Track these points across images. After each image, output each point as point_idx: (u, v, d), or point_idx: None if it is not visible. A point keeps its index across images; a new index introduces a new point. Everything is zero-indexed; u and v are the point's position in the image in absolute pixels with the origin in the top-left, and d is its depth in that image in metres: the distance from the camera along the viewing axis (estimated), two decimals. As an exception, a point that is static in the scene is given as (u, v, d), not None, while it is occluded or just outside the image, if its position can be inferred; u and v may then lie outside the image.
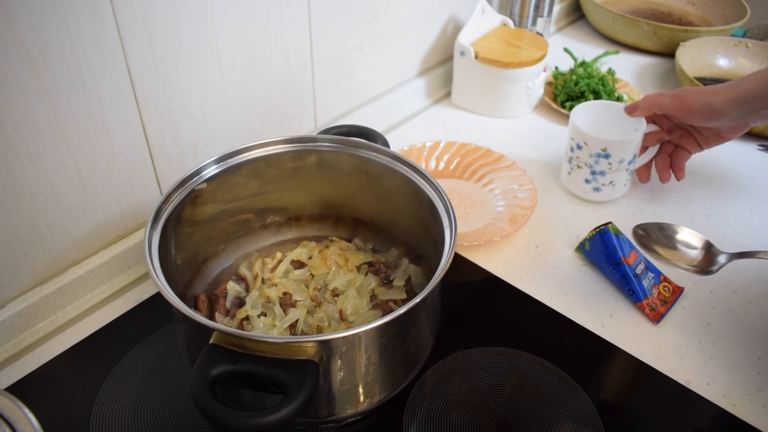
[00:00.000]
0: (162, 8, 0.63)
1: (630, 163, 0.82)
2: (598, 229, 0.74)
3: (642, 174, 0.86)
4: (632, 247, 0.74)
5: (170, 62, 0.66)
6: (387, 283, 0.68)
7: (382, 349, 0.52)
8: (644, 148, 0.85)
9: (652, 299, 0.70)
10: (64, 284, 0.66)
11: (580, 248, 0.77)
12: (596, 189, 0.84)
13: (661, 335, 0.68)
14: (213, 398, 0.43)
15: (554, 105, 1.04)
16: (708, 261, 0.73)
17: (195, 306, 0.65)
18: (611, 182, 0.83)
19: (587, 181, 0.84)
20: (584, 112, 0.85)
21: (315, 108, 0.88)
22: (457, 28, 1.05)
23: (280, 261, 0.69)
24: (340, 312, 0.63)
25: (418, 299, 0.49)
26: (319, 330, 0.62)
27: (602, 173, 0.82)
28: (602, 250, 0.73)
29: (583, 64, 1.08)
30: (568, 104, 1.03)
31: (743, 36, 1.24)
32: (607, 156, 0.80)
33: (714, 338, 0.68)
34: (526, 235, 0.81)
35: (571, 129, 0.83)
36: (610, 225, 0.74)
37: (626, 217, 0.84)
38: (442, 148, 0.91)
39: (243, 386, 0.51)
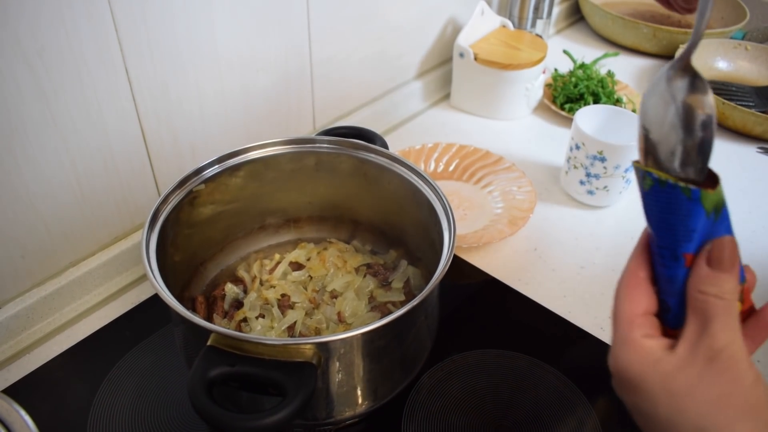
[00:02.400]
0: (160, 9, 0.63)
1: (627, 171, 0.82)
2: (678, 182, 0.35)
3: None
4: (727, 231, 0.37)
5: (168, 63, 0.66)
6: (385, 285, 0.67)
7: (381, 351, 0.52)
8: None
9: None
10: (62, 286, 0.66)
11: (649, 176, 0.37)
12: (590, 192, 0.84)
13: (661, 338, 0.68)
14: (210, 400, 0.43)
15: (553, 107, 1.04)
16: None
17: (193, 308, 0.64)
18: (605, 187, 0.83)
19: (582, 182, 0.84)
20: (591, 114, 0.85)
21: (314, 109, 0.88)
22: (457, 30, 1.05)
23: (278, 262, 0.69)
24: (339, 314, 0.63)
25: (416, 301, 0.49)
26: (318, 332, 0.62)
27: (596, 176, 0.82)
28: (667, 219, 0.36)
29: (582, 66, 1.08)
30: (567, 106, 1.03)
31: (742, 38, 1.25)
32: (602, 159, 0.80)
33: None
34: (525, 238, 0.81)
35: (573, 128, 0.83)
36: (712, 192, 0.35)
37: (626, 220, 0.84)
38: (441, 149, 0.91)
39: (241, 388, 0.51)
